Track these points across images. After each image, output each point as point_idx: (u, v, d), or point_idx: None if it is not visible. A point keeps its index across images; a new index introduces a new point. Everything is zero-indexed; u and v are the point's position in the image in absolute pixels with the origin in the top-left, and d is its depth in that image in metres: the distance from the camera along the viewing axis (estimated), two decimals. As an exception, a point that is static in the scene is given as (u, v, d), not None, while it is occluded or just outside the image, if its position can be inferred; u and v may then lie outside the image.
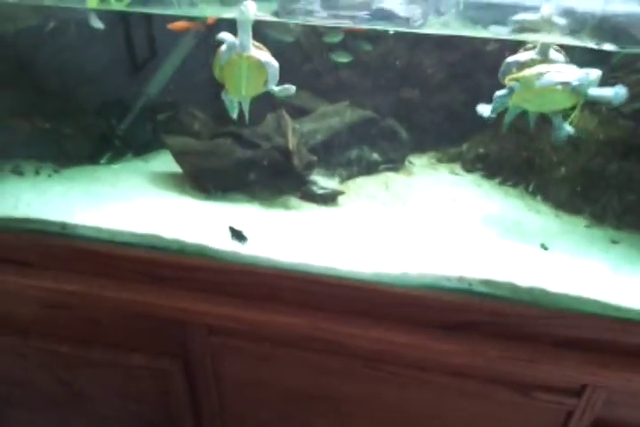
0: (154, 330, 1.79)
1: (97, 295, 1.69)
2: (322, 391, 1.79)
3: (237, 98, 1.63)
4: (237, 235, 1.63)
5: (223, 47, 1.55)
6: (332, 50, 2.04)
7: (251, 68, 1.54)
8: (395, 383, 1.70)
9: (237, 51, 1.52)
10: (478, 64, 2.01)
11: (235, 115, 1.65)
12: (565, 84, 1.48)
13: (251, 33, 1.53)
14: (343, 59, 2.09)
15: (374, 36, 2.04)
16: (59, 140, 1.91)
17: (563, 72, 1.50)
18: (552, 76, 1.50)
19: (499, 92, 1.62)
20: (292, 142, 1.81)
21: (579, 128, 1.58)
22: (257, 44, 1.56)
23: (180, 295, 1.68)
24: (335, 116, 2.00)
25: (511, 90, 1.58)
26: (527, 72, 1.55)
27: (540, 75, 1.52)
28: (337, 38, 1.98)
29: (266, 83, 1.59)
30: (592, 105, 1.62)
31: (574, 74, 1.49)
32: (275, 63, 1.58)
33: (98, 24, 1.76)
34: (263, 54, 1.56)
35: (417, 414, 1.76)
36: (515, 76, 1.57)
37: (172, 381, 1.86)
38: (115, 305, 1.72)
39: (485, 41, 1.96)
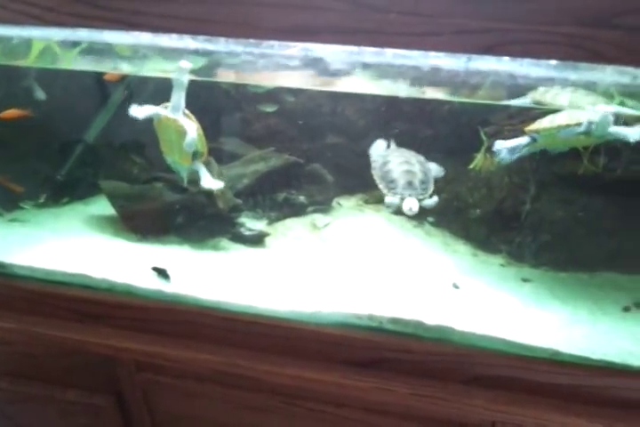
0: (87, 367, 1.80)
1: (30, 332, 1.72)
2: (249, 426, 1.79)
3: (173, 161, 1.68)
4: (161, 273, 1.67)
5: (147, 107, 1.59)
6: (260, 100, 2.12)
7: (179, 132, 1.59)
8: (315, 420, 1.69)
9: (167, 113, 1.56)
10: (397, 111, 2.08)
11: (185, 180, 1.70)
12: (586, 133, 1.52)
13: (183, 96, 1.56)
14: (269, 109, 2.19)
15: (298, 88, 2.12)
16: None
17: (579, 119, 1.53)
18: (572, 128, 1.53)
19: (520, 141, 1.63)
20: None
21: (482, 171, 1.62)
22: (188, 112, 1.61)
23: (109, 333, 1.70)
24: (260, 162, 2.06)
25: (533, 139, 1.61)
26: (546, 124, 1.58)
27: (560, 127, 1.55)
28: (261, 89, 2.06)
29: (196, 157, 1.66)
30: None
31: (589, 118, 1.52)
32: (194, 134, 1.60)
33: (41, 95, 1.85)
34: (187, 122, 1.59)
35: (340, 450, 1.75)
36: (535, 128, 1.60)
37: (106, 416, 1.87)
38: (47, 342, 1.75)
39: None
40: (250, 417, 1.75)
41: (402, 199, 1.53)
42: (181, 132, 1.57)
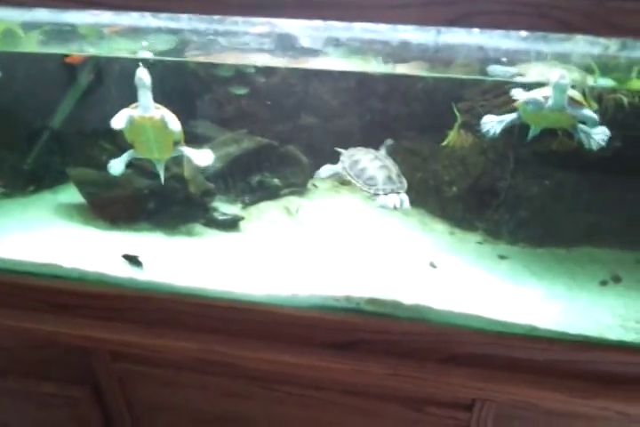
0: (61, 358, 1.77)
1: (1, 325, 1.68)
2: (229, 414, 1.77)
3: (151, 158, 1.65)
4: (132, 261, 1.63)
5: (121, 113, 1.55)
6: (229, 82, 2.08)
7: (156, 128, 1.55)
8: (296, 404, 1.69)
9: (139, 113, 1.53)
10: (370, 89, 2.05)
11: (162, 178, 1.67)
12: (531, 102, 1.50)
13: (150, 95, 1.53)
14: (240, 91, 2.14)
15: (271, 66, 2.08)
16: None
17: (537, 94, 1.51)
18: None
19: (509, 116, 1.60)
20: (187, 171, 1.83)
21: (456, 147, 1.61)
22: (157, 105, 1.57)
23: (81, 323, 1.66)
24: (233, 144, 2.02)
25: (519, 115, 1.59)
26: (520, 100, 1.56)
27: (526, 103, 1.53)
28: (229, 73, 2.02)
29: (176, 143, 1.61)
30: (470, 126, 1.64)
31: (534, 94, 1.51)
32: (176, 121, 1.57)
33: None
34: (165, 112, 1.56)
35: (322, 433, 1.74)
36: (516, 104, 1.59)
37: (83, 408, 1.84)
38: (20, 334, 1.71)
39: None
40: (229, 404, 1.74)
41: (385, 195, 1.50)
42: (159, 127, 1.54)
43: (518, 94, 1.52)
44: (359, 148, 1.61)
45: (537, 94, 1.49)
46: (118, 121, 1.51)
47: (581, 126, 1.51)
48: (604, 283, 1.67)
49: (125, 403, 1.82)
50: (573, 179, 1.74)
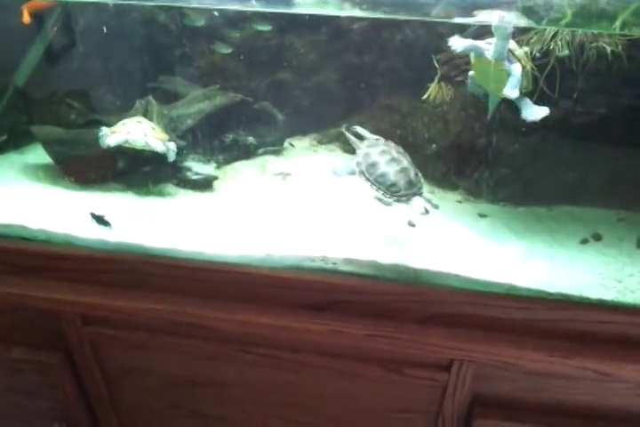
0: (31, 322, 1.72)
1: (-33, 288, 1.62)
2: (204, 377, 1.74)
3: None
4: (100, 220, 1.57)
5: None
6: (200, 33, 1.98)
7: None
8: (271, 366, 1.66)
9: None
10: (346, 42, 1.97)
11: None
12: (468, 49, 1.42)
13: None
14: (224, 50, 2.05)
15: (242, 18, 1.99)
16: None
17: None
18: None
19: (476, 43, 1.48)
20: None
21: (435, 101, 1.55)
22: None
23: (50, 286, 1.61)
24: (205, 100, 1.94)
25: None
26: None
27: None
28: (199, 22, 1.92)
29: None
30: (449, 78, 1.58)
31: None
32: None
33: None
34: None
35: (299, 395, 1.72)
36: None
37: (56, 374, 1.80)
38: (-16, 298, 1.66)
39: (351, 19, 1.92)
40: (203, 367, 1.71)
41: (407, 200, 1.43)
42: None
43: (456, 42, 1.41)
44: (374, 140, 1.50)
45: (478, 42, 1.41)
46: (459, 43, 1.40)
47: (527, 99, 1.44)
48: (584, 241, 1.64)
49: (99, 367, 1.79)
50: (556, 135, 1.69)
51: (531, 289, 1.45)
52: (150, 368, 1.75)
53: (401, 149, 1.49)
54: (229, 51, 2.02)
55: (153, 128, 1.60)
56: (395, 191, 1.42)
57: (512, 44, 1.41)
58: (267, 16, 1.96)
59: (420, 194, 1.43)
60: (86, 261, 1.59)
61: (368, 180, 1.44)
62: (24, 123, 1.99)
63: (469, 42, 1.41)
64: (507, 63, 1.41)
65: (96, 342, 1.71)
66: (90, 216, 1.58)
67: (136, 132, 1.57)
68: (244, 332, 1.57)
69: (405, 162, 1.46)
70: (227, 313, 1.54)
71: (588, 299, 1.43)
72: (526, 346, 1.44)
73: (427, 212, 1.41)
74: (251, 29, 1.99)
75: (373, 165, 1.44)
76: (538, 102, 1.45)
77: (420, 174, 1.44)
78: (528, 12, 1.32)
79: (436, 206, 1.44)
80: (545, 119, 1.45)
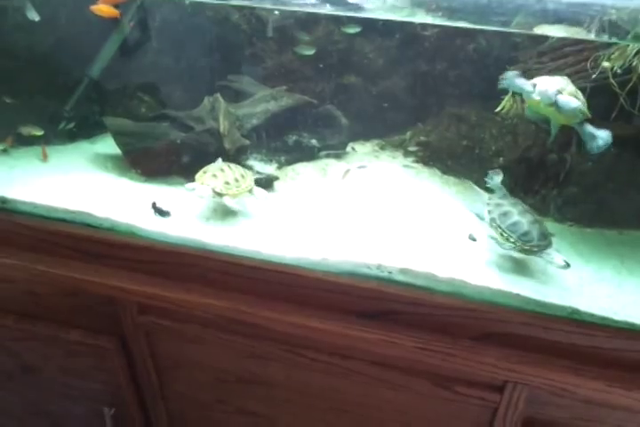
0: (90, 307, 1.75)
1: (31, 269, 1.66)
2: (253, 376, 1.73)
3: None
4: (159, 211, 1.59)
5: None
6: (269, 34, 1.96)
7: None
8: (320, 371, 1.63)
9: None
10: (417, 49, 1.92)
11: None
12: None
13: None
14: (307, 51, 2.02)
15: (313, 21, 1.96)
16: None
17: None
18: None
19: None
20: (223, 125, 1.75)
21: (509, 114, 1.48)
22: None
23: (110, 273, 1.63)
24: (271, 101, 1.93)
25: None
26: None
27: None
28: (310, 51, 1.87)
29: None
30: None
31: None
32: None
33: (34, 15, 1.72)
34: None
35: (345, 402, 1.68)
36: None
37: (110, 358, 1.82)
38: (49, 280, 1.69)
39: (424, 26, 1.87)
40: (252, 365, 1.69)
41: (540, 252, 1.39)
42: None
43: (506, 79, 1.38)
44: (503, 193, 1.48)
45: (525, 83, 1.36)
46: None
47: (588, 126, 1.36)
48: (656, 269, 1.54)
49: (151, 356, 1.80)
50: (632, 155, 1.59)
51: (595, 315, 1.37)
52: (201, 362, 1.75)
53: (527, 206, 1.47)
54: (312, 52, 1.99)
55: (227, 183, 1.58)
56: (527, 241, 1.38)
57: (561, 84, 1.35)
58: (341, 19, 1.92)
59: (551, 247, 1.39)
60: (146, 252, 1.59)
61: (498, 227, 1.42)
62: (97, 113, 2.03)
63: (517, 82, 1.39)
64: (557, 99, 1.35)
65: (150, 331, 1.72)
66: (151, 207, 1.58)
67: (203, 190, 1.58)
68: (296, 334, 1.54)
69: (536, 217, 1.44)
70: (279, 314, 1.52)
71: (657, 329, 1.33)
72: (585, 374, 1.36)
73: (568, 265, 1.38)
74: (326, 31, 1.96)
75: (506, 215, 1.43)
76: (613, 120, 1.37)
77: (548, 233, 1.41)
78: (611, 26, 1.25)
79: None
80: (621, 138, 1.37)
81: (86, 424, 2.08)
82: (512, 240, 1.39)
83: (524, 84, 1.37)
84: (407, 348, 1.45)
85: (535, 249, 1.39)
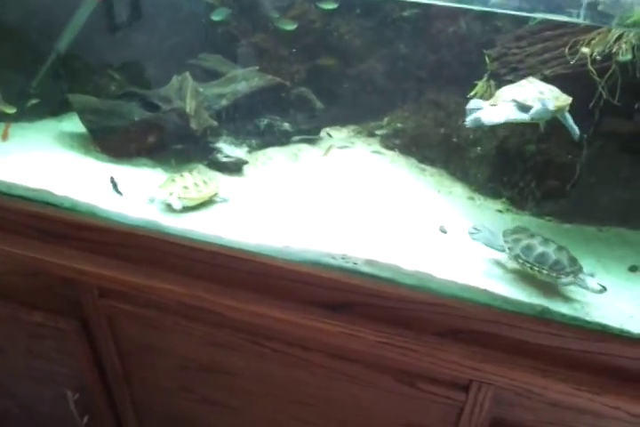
0: (51, 289, 1.70)
1: (-9, 248, 1.60)
2: (215, 364, 1.67)
3: None
4: (116, 186, 1.55)
5: None
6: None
7: None
8: (282, 362, 1.57)
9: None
10: (396, 31, 1.83)
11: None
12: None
13: None
14: (288, 26, 1.93)
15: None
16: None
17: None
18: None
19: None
20: (189, 105, 1.68)
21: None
22: None
23: (69, 254, 1.57)
24: (242, 81, 1.85)
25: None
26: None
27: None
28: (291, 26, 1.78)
29: None
30: (499, 76, 1.42)
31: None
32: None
33: None
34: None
35: (308, 395, 1.62)
36: None
37: (72, 341, 1.77)
38: (9, 259, 1.64)
39: (402, 5, 1.78)
40: (214, 353, 1.64)
41: (575, 277, 1.31)
42: None
43: (488, 116, 1.25)
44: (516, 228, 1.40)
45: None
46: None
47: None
48: (633, 269, 1.47)
49: (114, 340, 1.75)
50: (614, 148, 1.50)
51: (565, 315, 1.30)
52: (163, 348, 1.70)
53: (544, 236, 1.39)
54: (294, 27, 1.90)
55: (186, 187, 1.52)
56: (559, 269, 1.30)
57: (525, 95, 1.26)
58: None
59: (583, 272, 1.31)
60: (106, 233, 1.53)
61: (526, 262, 1.33)
62: (64, 90, 1.95)
63: (502, 116, 1.27)
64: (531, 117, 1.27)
65: (112, 315, 1.67)
66: (110, 182, 1.54)
67: (159, 193, 1.53)
68: (256, 323, 1.48)
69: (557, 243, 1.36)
70: (240, 302, 1.46)
71: (628, 332, 1.27)
72: (552, 375, 1.30)
73: (604, 289, 1.30)
74: (301, 9, 1.87)
75: (529, 248, 1.34)
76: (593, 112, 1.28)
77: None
78: (593, 9, 1.16)
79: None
80: (603, 130, 1.28)
81: (53, 407, 2.03)
82: (544, 272, 1.31)
83: (510, 114, 1.26)
84: (369, 341, 1.38)
85: (569, 277, 1.31)
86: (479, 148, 1.65)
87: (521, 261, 1.33)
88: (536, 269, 1.31)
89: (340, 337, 1.41)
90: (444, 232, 1.51)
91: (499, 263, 1.41)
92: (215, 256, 1.47)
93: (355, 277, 1.40)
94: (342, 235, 1.47)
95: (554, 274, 1.30)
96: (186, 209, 1.51)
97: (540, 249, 1.32)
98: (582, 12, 1.25)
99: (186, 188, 1.49)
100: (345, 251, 1.40)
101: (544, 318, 1.31)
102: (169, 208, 1.49)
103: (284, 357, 1.54)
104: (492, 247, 1.39)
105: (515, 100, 1.24)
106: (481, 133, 1.63)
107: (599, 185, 1.56)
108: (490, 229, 1.40)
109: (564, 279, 1.31)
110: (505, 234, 1.37)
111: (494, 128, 1.59)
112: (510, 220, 1.60)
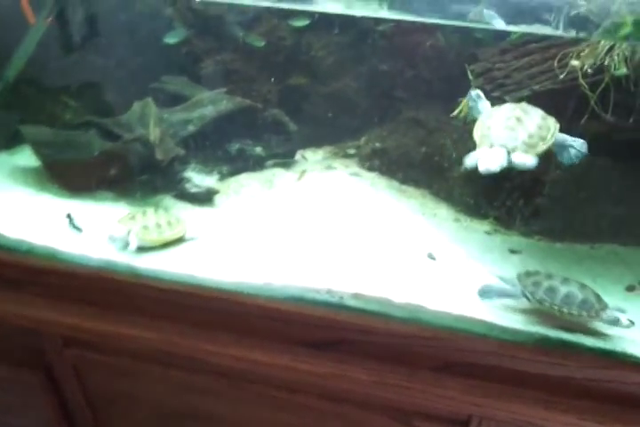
0: (11, 338, 1.58)
1: (-58, 299, 1.48)
2: (193, 411, 1.57)
3: None
4: (73, 224, 1.46)
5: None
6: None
7: None
8: (267, 406, 1.48)
9: None
10: (370, 46, 1.77)
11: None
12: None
13: None
14: (257, 43, 1.85)
15: (257, 17, 1.80)
16: None
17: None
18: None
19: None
20: (154, 133, 1.58)
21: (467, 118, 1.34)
22: None
23: (30, 301, 1.47)
24: (209, 105, 1.76)
25: None
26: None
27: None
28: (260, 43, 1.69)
29: None
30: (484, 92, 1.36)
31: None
32: None
33: None
34: None
35: (298, 439, 1.53)
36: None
37: (37, 395, 1.65)
38: (-38, 310, 1.51)
39: (377, 19, 1.72)
40: (193, 400, 1.54)
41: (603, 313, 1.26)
42: None
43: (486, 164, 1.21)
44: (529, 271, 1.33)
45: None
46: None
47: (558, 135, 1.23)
48: (630, 288, 1.43)
49: (82, 391, 1.64)
50: (605, 164, 1.46)
51: (566, 341, 1.25)
52: (138, 396, 1.60)
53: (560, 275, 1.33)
54: (262, 44, 1.82)
55: (146, 227, 1.42)
56: (588, 308, 1.24)
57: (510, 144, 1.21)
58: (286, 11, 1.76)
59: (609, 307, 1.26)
60: (68, 277, 1.43)
61: (553, 305, 1.26)
62: (15, 121, 1.82)
63: (496, 165, 1.20)
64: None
65: (79, 364, 1.57)
66: (66, 217, 1.46)
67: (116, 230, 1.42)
68: (237, 367, 1.41)
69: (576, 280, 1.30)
70: (219, 346, 1.38)
71: (632, 357, 1.22)
72: (556, 407, 1.25)
73: (632, 323, 1.24)
74: (270, 25, 1.80)
75: (552, 290, 1.27)
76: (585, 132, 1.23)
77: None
78: (580, 20, 1.11)
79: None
80: (595, 145, 1.23)
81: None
82: (574, 313, 1.25)
83: (486, 165, 1.21)
84: (361, 381, 1.31)
85: (598, 314, 1.25)
86: (464, 166, 1.59)
87: (547, 304, 1.26)
88: (565, 310, 1.25)
89: (329, 378, 1.34)
90: (433, 259, 1.44)
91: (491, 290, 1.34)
92: (188, 297, 1.38)
93: (341, 313, 1.32)
94: (326, 267, 1.39)
95: (584, 313, 1.24)
96: (149, 248, 1.40)
97: (563, 289, 1.26)
98: (561, 21, 1.20)
99: (145, 228, 1.40)
100: (330, 285, 1.33)
101: (543, 347, 1.26)
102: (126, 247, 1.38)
103: (270, 400, 1.46)
104: (511, 297, 1.32)
105: (505, 147, 1.19)
106: (465, 151, 1.57)
107: (590, 200, 1.51)
108: (499, 284, 1.33)
109: (596, 318, 1.25)
110: (521, 279, 1.31)
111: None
112: (500, 241, 1.54)
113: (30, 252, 1.45)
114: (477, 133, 1.23)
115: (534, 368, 1.25)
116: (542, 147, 1.18)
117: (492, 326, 1.27)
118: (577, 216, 1.55)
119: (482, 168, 1.19)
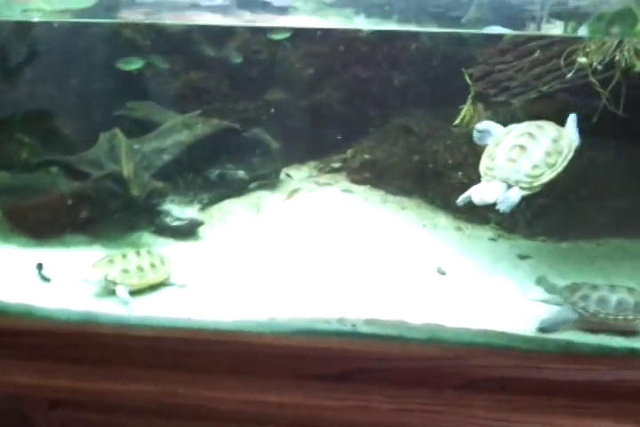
0: (-10, 407, 1.43)
1: None
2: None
3: None
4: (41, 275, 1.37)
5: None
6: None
7: None
8: (284, 447, 1.38)
9: None
10: (352, 53, 1.71)
11: None
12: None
13: None
14: (235, 59, 1.76)
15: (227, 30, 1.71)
16: None
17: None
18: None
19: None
20: (126, 168, 1.48)
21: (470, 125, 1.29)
22: None
23: (7, 366, 1.34)
24: (184, 130, 1.67)
25: None
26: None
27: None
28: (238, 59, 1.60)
29: None
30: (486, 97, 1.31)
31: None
32: None
33: None
34: None
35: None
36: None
37: (22, 463, 1.50)
38: None
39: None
40: (200, 449, 1.42)
41: None
42: None
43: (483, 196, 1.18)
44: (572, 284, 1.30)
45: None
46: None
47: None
48: (646, 283, 1.40)
49: (75, 454, 1.48)
50: (603, 158, 1.44)
51: (590, 345, 1.23)
52: (137, 452, 1.46)
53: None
54: (240, 60, 1.75)
55: (126, 271, 1.32)
56: (624, 310, 1.23)
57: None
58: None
59: None
60: (48, 336, 1.34)
61: (608, 315, 1.23)
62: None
63: (492, 197, 1.17)
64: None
65: (67, 425, 1.41)
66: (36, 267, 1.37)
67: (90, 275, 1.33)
68: (248, 411, 1.31)
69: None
70: (225, 391, 1.29)
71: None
72: (588, 412, 1.22)
73: None
74: (241, 40, 1.71)
75: (603, 300, 1.25)
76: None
77: None
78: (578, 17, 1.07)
79: None
80: (593, 140, 1.20)
81: None
82: (630, 317, 1.23)
83: (481, 196, 1.18)
84: (382, 410, 1.26)
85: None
86: (460, 172, 1.55)
87: (602, 315, 1.24)
88: (620, 317, 1.23)
89: (348, 411, 1.27)
90: (443, 273, 1.40)
91: (508, 301, 1.30)
92: (187, 343, 1.30)
93: (355, 341, 1.29)
94: (333, 294, 1.34)
95: (621, 316, 1.23)
96: (131, 293, 1.31)
97: (614, 297, 1.24)
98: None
99: (125, 271, 1.29)
100: (340, 313, 1.28)
101: (570, 353, 1.24)
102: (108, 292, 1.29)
103: (287, 441, 1.36)
104: (569, 318, 1.28)
105: (507, 181, 1.17)
106: (460, 157, 1.52)
107: (591, 196, 1.49)
108: (551, 311, 1.30)
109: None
110: (566, 296, 1.28)
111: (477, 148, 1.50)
112: (506, 247, 1.51)
113: (3, 311, 1.34)
114: (482, 164, 1.20)
115: (562, 376, 1.24)
116: (549, 176, 1.16)
117: (514, 338, 1.25)
118: (579, 213, 1.54)
119: (476, 199, 1.16)
